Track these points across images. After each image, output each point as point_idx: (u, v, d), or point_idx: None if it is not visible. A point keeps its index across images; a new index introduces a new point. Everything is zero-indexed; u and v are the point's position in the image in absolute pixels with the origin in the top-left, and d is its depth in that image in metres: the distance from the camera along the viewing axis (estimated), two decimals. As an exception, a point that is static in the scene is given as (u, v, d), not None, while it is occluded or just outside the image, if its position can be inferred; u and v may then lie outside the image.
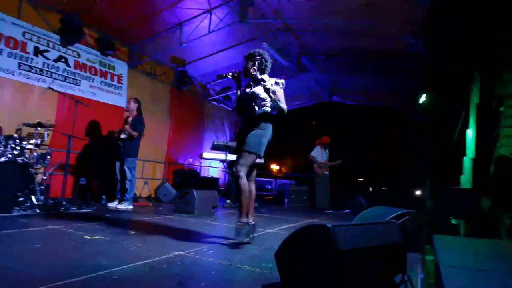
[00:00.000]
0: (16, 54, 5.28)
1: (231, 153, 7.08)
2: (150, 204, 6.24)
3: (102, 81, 6.70)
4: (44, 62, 5.67)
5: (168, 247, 2.57)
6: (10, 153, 3.87)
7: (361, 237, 1.53)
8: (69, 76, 6.07)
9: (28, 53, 5.44)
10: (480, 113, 4.64)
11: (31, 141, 4.21)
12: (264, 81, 2.98)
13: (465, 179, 4.70)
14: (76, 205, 4.62)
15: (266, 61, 3.15)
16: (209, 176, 9.67)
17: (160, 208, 5.65)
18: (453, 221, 3.99)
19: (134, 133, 5.18)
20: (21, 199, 3.81)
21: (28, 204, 3.91)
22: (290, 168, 19.97)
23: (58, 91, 4.92)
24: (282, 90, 3.05)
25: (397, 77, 7.58)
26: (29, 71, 5.44)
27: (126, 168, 5.16)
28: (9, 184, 3.70)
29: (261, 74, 3.16)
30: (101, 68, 6.71)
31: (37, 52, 5.57)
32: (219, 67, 7.94)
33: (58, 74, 5.89)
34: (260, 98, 3.07)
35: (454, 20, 4.57)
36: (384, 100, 9.40)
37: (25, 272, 1.79)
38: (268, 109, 3.11)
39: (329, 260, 1.39)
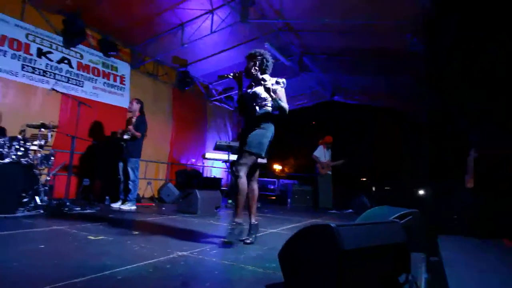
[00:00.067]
0: (20, 55, 5.32)
1: (233, 153, 7.08)
2: (153, 204, 6.26)
3: (105, 82, 6.73)
4: (47, 64, 5.70)
5: (171, 247, 2.58)
6: (14, 154, 3.89)
7: (364, 236, 1.53)
8: (72, 77, 6.11)
9: (31, 54, 5.47)
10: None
11: (35, 142, 4.23)
12: (265, 81, 2.99)
13: (469, 179, 4.68)
14: (79, 205, 4.64)
15: (267, 61, 3.15)
16: (212, 176, 9.69)
17: (163, 208, 5.66)
18: (457, 221, 3.98)
19: (137, 134, 5.20)
20: (25, 200, 3.84)
21: (32, 205, 3.93)
22: (293, 168, 19.94)
23: (61, 92, 4.95)
24: (283, 89, 3.05)
25: (399, 77, 7.55)
26: (33, 72, 5.48)
27: (129, 169, 5.18)
28: (13, 185, 3.72)
29: (262, 74, 3.15)
30: (104, 69, 6.74)
31: (40, 53, 5.61)
32: (221, 67, 7.95)
33: (61, 76, 5.92)
34: (261, 98, 3.07)
35: (454, 20, 4.56)
36: (386, 100, 9.37)
37: (29, 272, 1.80)
38: (269, 109, 3.10)
39: (332, 260, 1.39)
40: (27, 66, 5.41)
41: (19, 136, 4.05)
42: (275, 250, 2.49)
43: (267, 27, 6.63)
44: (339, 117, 13.73)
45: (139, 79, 7.56)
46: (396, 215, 2.11)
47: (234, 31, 6.60)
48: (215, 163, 9.88)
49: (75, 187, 5.77)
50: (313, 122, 17.36)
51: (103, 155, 6.09)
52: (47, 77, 5.68)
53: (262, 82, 2.99)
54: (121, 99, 7.01)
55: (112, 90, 6.88)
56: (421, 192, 7.88)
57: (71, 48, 6.07)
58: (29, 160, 4.07)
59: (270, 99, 3.01)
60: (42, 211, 3.95)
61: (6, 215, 3.55)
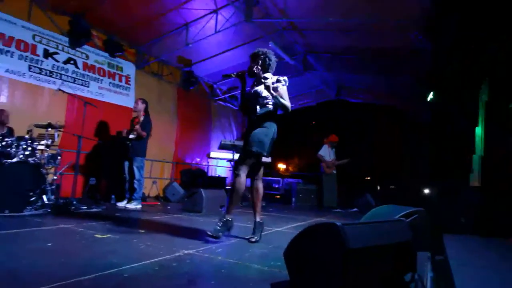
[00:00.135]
0: (27, 56, 5.38)
1: (238, 152, 7.09)
2: (159, 203, 6.30)
3: (110, 82, 6.78)
4: (53, 64, 5.76)
5: (177, 245, 2.59)
6: (22, 154, 3.93)
7: (370, 235, 1.53)
8: (78, 77, 6.16)
9: (38, 55, 5.53)
10: (489, 111, 4.59)
11: (42, 142, 4.28)
12: (265, 79, 3.00)
13: (474, 177, 4.65)
14: (86, 204, 4.68)
15: (270, 60, 3.16)
16: (217, 175, 9.71)
17: (169, 207, 5.69)
18: (462, 219, 3.95)
19: (143, 133, 5.24)
20: (32, 198, 3.87)
21: (39, 204, 3.98)
22: (297, 167, 19.91)
23: (67, 93, 5.00)
24: (284, 87, 3.05)
25: (403, 76, 7.51)
26: (39, 73, 5.54)
27: (135, 168, 5.22)
28: (21, 184, 3.77)
29: (265, 72, 3.15)
30: (109, 69, 6.79)
31: (46, 54, 5.66)
32: (226, 66, 7.97)
33: (68, 76, 5.98)
34: (263, 96, 3.08)
35: (454, 20, 4.53)
36: (390, 98, 9.33)
37: (37, 270, 1.83)
38: (271, 107, 3.10)
39: (338, 259, 1.39)
40: (34, 66, 5.47)
41: (27, 136, 4.10)
42: (280, 248, 2.50)
43: (271, 26, 6.63)
44: (343, 116, 13.68)
45: (144, 79, 7.61)
46: (402, 214, 2.10)
47: (238, 30, 6.61)
48: (219, 162, 9.90)
49: (82, 186, 5.83)
50: (313, 122, 17.31)
51: (109, 154, 6.14)
52: (53, 77, 5.74)
53: (262, 80, 3.00)
54: (126, 99, 7.05)
55: (117, 90, 6.93)
56: (426, 191, 7.83)
57: (77, 49, 6.13)
58: (36, 159, 4.11)
59: (271, 97, 3.01)
60: (49, 210, 3.99)
61: (14, 214, 3.60)
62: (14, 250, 2.21)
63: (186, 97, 8.70)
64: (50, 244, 2.43)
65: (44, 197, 4.04)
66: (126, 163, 5.35)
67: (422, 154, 8.62)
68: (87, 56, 6.37)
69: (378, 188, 9.99)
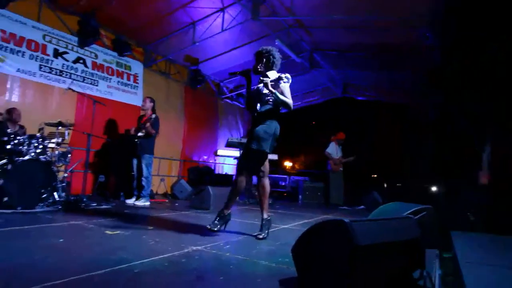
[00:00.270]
0: (37, 56, 5.46)
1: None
2: (167, 200, 6.36)
3: (118, 81, 6.85)
4: (63, 64, 5.84)
5: (185, 242, 2.62)
6: (33, 152, 4.01)
7: (378, 232, 1.53)
8: (87, 76, 6.24)
9: (48, 55, 5.62)
10: (500, 107, 4.53)
11: (53, 140, 4.36)
12: (265, 77, 3.02)
13: (483, 175, 4.60)
14: (95, 201, 4.76)
15: (274, 58, 3.16)
16: (224, 173, 9.76)
17: (176, 204, 5.74)
18: (470, 217, 3.92)
19: (153, 131, 5.31)
20: (44, 195, 3.96)
21: (51, 201, 4.06)
22: (304, 164, 19.88)
23: (77, 92, 5.07)
24: (286, 84, 3.06)
25: (410, 73, 7.45)
26: (50, 72, 5.62)
27: (143, 165, 5.28)
28: (33, 181, 3.85)
29: (269, 70, 3.16)
30: (118, 68, 6.86)
31: (56, 54, 5.74)
32: (232, 65, 7.98)
33: (77, 75, 6.06)
34: (264, 94, 3.08)
35: (454, 20, 4.48)
36: (396, 96, 9.26)
37: (50, 265, 1.87)
38: (272, 105, 3.10)
39: (346, 255, 1.40)
40: (44, 66, 5.56)
41: (38, 134, 4.18)
42: (287, 245, 2.51)
43: (277, 24, 6.62)
44: (349, 113, 13.60)
45: (151, 77, 7.67)
46: (410, 211, 2.10)
47: (245, 28, 6.61)
48: (226, 160, 9.94)
49: (91, 183, 5.91)
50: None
51: (118, 152, 6.22)
52: (63, 77, 5.82)
53: (261, 78, 3.02)
54: (134, 98, 7.12)
55: (125, 89, 7.00)
56: (433, 188, 7.77)
57: (86, 48, 6.20)
58: (47, 157, 4.19)
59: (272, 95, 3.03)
60: (60, 207, 4.07)
61: (26, 210, 3.68)
62: (26, 245, 2.27)
63: (193, 96, 8.75)
64: (61, 240, 2.48)
65: (55, 194, 4.12)
66: (135, 161, 5.42)
67: (429, 152, 8.55)
68: (96, 56, 6.45)
69: (385, 185, 9.92)
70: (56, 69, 5.72)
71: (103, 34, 6.46)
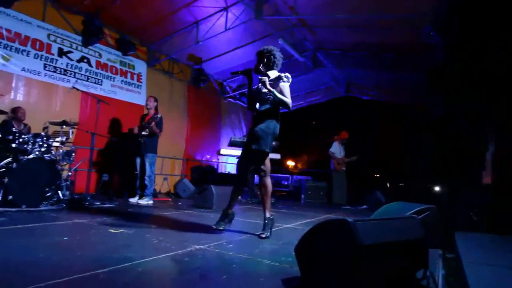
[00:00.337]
0: (42, 55, 5.49)
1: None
2: (170, 199, 6.38)
3: (122, 80, 6.88)
4: (68, 63, 5.87)
5: (188, 241, 2.64)
6: (38, 150, 4.04)
7: (381, 232, 1.53)
8: (91, 76, 6.27)
9: (52, 54, 5.65)
10: (503, 107, 4.51)
11: (57, 139, 4.39)
12: (268, 77, 3.03)
13: (487, 175, 4.58)
14: (99, 200, 4.79)
15: (275, 57, 3.16)
16: (227, 172, 9.77)
17: (180, 203, 5.76)
18: (474, 217, 3.91)
19: (157, 131, 5.34)
20: (48, 194, 3.99)
21: (55, 199, 4.10)
22: (306, 164, 19.87)
23: (81, 91, 5.10)
24: (286, 83, 3.07)
25: (413, 72, 7.42)
26: (54, 71, 5.66)
27: (147, 164, 5.30)
28: (37, 180, 3.88)
29: (269, 70, 3.17)
30: (122, 67, 6.89)
31: (61, 53, 5.78)
32: (235, 64, 7.99)
33: (81, 74, 6.09)
34: (264, 93, 3.09)
35: (457, 19, 4.46)
36: (400, 95, 9.23)
37: (54, 263, 1.89)
38: (271, 104, 3.10)
39: (349, 255, 1.40)
40: (49, 65, 5.59)
41: (43, 133, 4.21)
42: (290, 244, 2.52)
43: (281, 23, 6.61)
44: (352, 113, 13.58)
45: (155, 76, 7.69)
46: (413, 211, 2.09)
47: (248, 28, 6.61)
48: (229, 159, 9.96)
49: (95, 182, 5.94)
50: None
51: (121, 151, 6.25)
52: (67, 76, 5.86)
53: (259, 77, 3.03)
54: (138, 97, 7.15)
55: (129, 88, 7.02)
56: (436, 188, 7.73)
57: (90, 47, 6.23)
58: (51, 156, 4.22)
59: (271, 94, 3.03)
60: (64, 205, 4.10)
61: (30, 209, 3.71)
62: (31, 243, 2.29)
63: (196, 95, 8.76)
64: (65, 238, 2.50)
65: (60, 192, 4.15)
66: (138, 160, 5.44)
67: (432, 152, 8.52)
68: (100, 55, 6.48)
69: (388, 185, 9.89)
70: (60, 68, 5.75)
71: (107, 34, 6.49)
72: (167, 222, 3.70)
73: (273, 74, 3.13)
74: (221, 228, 3.11)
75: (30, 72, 5.32)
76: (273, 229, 3.14)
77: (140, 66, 7.33)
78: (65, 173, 4.61)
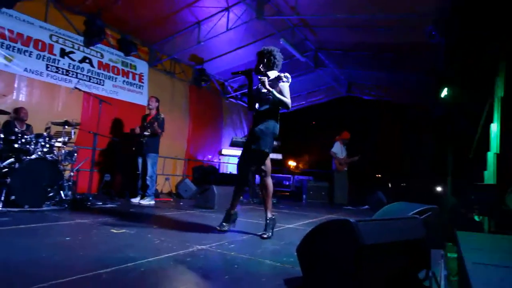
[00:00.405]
0: (44, 56, 5.51)
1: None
2: (171, 199, 6.39)
3: (124, 81, 6.90)
4: (70, 63, 5.89)
5: (190, 241, 2.64)
6: (40, 151, 4.05)
7: (383, 232, 1.53)
8: (93, 76, 6.29)
9: (55, 54, 5.67)
10: (505, 106, 4.49)
11: (59, 139, 4.40)
12: (268, 77, 3.03)
13: (489, 175, 4.56)
14: (101, 200, 4.80)
15: (275, 58, 3.16)
16: (228, 172, 9.78)
17: (181, 203, 5.77)
18: (476, 217, 3.90)
19: (159, 131, 5.35)
20: (51, 194, 4.00)
21: (57, 199, 4.11)
22: (307, 164, 19.86)
23: (83, 91, 5.11)
24: (286, 83, 3.07)
25: (415, 72, 7.41)
26: (56, 72, 5.68)
27: (148, 164, 5.31)
28: (40, 180, 3.89)
29: (269, 70, 3.17)
30: (123, 68, 6.91)
31: (63, 53, 5.80)
32: (237, 64, 8.00)
33: (83, 75, 6.11)
34: (263, 93, 3.09)
35: (457, 19, 4.45)
36: (401, 95, 9.23)
37: (57, 263, 1.89)
38: (271, 104, 3.10)
39: (351, 255, 1.40)
40: (51, 66, 5.61)
41: (45, 133, 4.22)
42: (292, 245, 2.52)
43: (282, 23, 6.61)
44: (354, 112, 13.57)
45: (156, 77, 7.70)
46: (415, 211, 2.09)
47: (250, 28, 6.62)
48: (231, 159, 9.96)
49: (97, 182, 5.96)
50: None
51: (123, 151, 6.26)
52: (70, 76, 5.87)
53: (259, 77, 3.03)
54: (139, 97, 7.16)
55: (131, 88, 7.04)
56: (438, 188, 7.72)
57: (92, 48, 6.25)
58: (54, 156, 4.24)
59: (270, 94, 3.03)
60: (66, 205, 4.11)
61: (33, 209, 3.73)
62: (33, 243, 2.29)
63: (198, 95, 8.77)
64: (68, 238, 2.50)
65: (62, 192, 4.16)
66: (140, 160, 5.45)
67: (433, 152, 8.51)
68: (102, 55, 6.49)
69: (389, 185, 9.88)
70: (62, 68, 5.77)
71: (108, 34, 6.51)
72: (169, 222, 3.70)
73: (272, 74, 3.14)
74: (225, 229, 3.12)
75: (33, 73, 5.34)
76: (275, 229, 3.14)
77: (142, 66, 7.34)
78: (67, 173, 4.62)
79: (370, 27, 6.27)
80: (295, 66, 8.16)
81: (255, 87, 3.25)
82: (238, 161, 3.23)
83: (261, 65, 3.18)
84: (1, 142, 3.85)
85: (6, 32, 5.05)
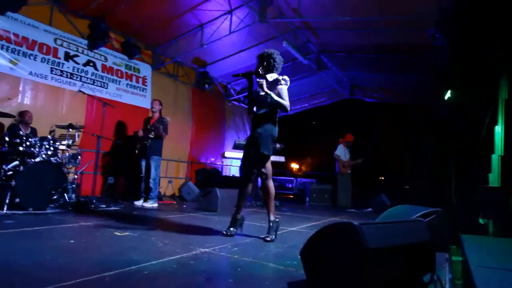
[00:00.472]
0: (49, 59, 5.56)
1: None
2: (175, 202, 6.39)
3: (127, 84, 6.93)
4: (74, 67, 5.94)
5: (193, 244, 2.64)
6: (44, 154, 4.08)
7: (387, 235, 1.52)
8: (97, 79, 6.33)
9: (59, 58, 5.71)
10: (509, 109, 4.47)
11: (63, 142, 4.44)
12: (267, 79, 3.03)
13: (494, 178, 4.53)
14: (105, 203, 4.81)
15: (274, 61, 3.16)
16: (231, 175, 9.78)
17: (184, 206, 5.78)
18: (481, 220, 3.87)
19: (164, 134, 5.38)
20: (55, 197, 4.02)
21: (61, 202, 4.13)
22: (310, 166, 19.81)
23: (87, 94, 5.14)
24: (285, 86, 3.07)
25: (417, 73, 7.39)
26: (61, 75, 5.72)
27: (152, 167, 5.33)
28: (44, 183, 3.92)
29: (269, 73, 3.17)
30: (127, 71, 6.95)
31: (67, 57, 5.84)
32: (240, 67, 8.01)
33: (87, 78, 6.15)
34: (262, 96, 3.09)
35: (457, 20, 4.44)
36: (405, 96, 9.20)
37: (61, 266, 1.90)
38: (269, 107, 3.09)
39: (355, 258, 1.39)
40: (56, 69, 5.65)
41: (49, 136, 4.25)
42: (295, 248, 2.51)
43: (285, 26, 6.63)
44: (357, 115, 13.53)
45: (160, 79, 7.74)
46: (419, 214, 2.08)
47: (252, 30, 6.64)
48: (233, 162, 9.97)
49: (101, 185, 5.98)
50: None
51: (126, 154, 6.28)
52: (74, 79, 5.92)
53: (257, 80, 3.03)
54: (143, 100, 7.19)
55: (134, 91, 7.07)
56: (442, 191, 7.67)
57: (96, 51, 6.29)
58: (58, 159, 4.26)
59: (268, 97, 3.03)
60: (70, 208, 4.13)
61: (37, 212, 3.75)
62: (37, 246, 2.31)
63: (201, 97, 8.80)
64: (72, 241, 2.51)
65: (66, 195, 4.18)
66: (143, 162, 5.47)
67: (433, 152, 8.47)
68: (106, 58, 6.54)
69: (393, 188, 9.83)
70: (67, 72, 5.82)
71: (112, 37, 6.55)
72: (172, 225, 3.71)
73: (271, 77, 3.14)
74: (232, 233, 3.08)
75: (37, 76, 5.38)
76: (278, 232, 3.13)
77: (145, 70, 7.38)
78: (71, 176, 4.65)
79: (372, 29, 6.27)
80: (298, 69, 8.17)
81: (254, 90, 3.24)
82: (241, 164, 3.23)
83: (261, 68, 3.19)
84: (6, 145, 3.89)
85: (12, 36, 5.10)
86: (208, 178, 7.89)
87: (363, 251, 1.35)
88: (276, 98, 2.98)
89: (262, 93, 3.03)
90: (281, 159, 7.85)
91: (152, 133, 5.33)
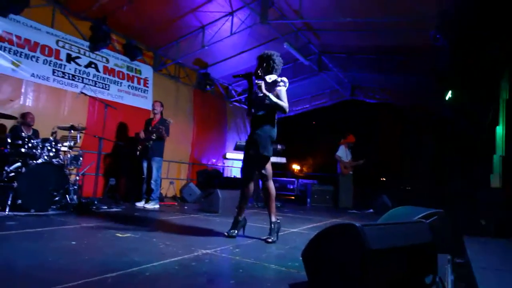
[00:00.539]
0: (51, 61, 5.58)
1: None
2: (176, 203, 6.40)
3: (129, 85, 6.95)
4: (76, 68, 5.96)
5: (195, 245, 2.64)
6: (46, 155, 4.09)
7: (389, 236, 1.52)
8: (99, 81, 6.35)
9: (61, 60, 5.74)
10: (509, 109, 4.46)
11: (65, 144, 4.45)
12: (265, 81, 3.03)
13: (495, 178, 4.52)
14: (106, 204, 4.82)
15: (274, 62, 3.16)
16: (232, 176, 9.78)
17: (186, 207, 5.78)
18: (483, 222, 3.85)
19: (166, 135, 5.39)
20: (57, 198, 4.03)
21: (63, 203, 4.13)
22: (312, 167, 19.80)
23: (89, 95, 5.15)
24: (283, 88, 3.07)
25: (418, 74, 7.39)
26: (63, 77, 5.74)
27: (153, 168, 5.34)
28: (46, 184, 3.92)
29: (268, 74, 3.17)
30: (128, 72, 6.97)
31: (69, 59, 5.86)
32: (241, 68, 8.01)
33: (89, 79, 6.17)
34: (261, 97, 3.08)
35: (457, 19, 4.44)
36: (406, 97, 9.18)
37: (63, 267, 1.90)
38: (268, 108, 3.09)
39: (357, 260, 1.39)
40: (58, 71, 5.67)
41: (51, 138, 4.26)
42: (297, 249, 2.51)
43: (286, 27, 6.64)
44: (358, 116, 13.52)
45: (161, 81, 7.75)
46: (421, 215, 2.07)
47: (254, 32, 6.65)
48: (235, 163, 9.96)
49: (102, 186, 5.98)
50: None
51: (127, 155, 6.29)
52: (76, 81, 5.93)
53: (255, 81, 3.03)
54: (144, 101, 7.21)
55: (136, 93, 7.09)
56: (444, 192, 7.65)
57: (98, 53, 6.31)
58: (60, 160, 4.27)
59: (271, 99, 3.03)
60: (72, 209, 4.13)
61: (39, 213, 3.76)
62: (39, 247, 2.31)
63: (202, 99, 8.81)
64: (74, 243, 2.51)
65: (67, 197, 4.19)
66: (145, 163, 5.48)
67: (433, 153, 8.46)
68: (107, 60, 6.55)
69: (395, 189, 9.81)
70: (69, 73, 5.84)
71: (114, 39, 6.57)
72: (174, 227, 3.71)
73: (270, 78, 3.13)
74: (233, 235, 3.07)
75: (39, 78, 5.40)
76: (279, 234, 3.13)
77: (147, 71, 7.40)
78: (73, 178, 4.66)
79: (373, 30, 6.27)
80: (299, 70, 8.17)
81: (253, 91, 3.24)
82: (241, 166, 3.23)
83: (260, 69, 3.19)
84: (8, 147, 3.90)
85: (14, 38, 5.12)
86: (210, 179, 7.89)
87: (365, 253, 1.34)
88: (274, 99, 2.98)
89: (261, 95, 3.04)
90: (283, 160, 7.84)
91: (154, 134, 5.34)
